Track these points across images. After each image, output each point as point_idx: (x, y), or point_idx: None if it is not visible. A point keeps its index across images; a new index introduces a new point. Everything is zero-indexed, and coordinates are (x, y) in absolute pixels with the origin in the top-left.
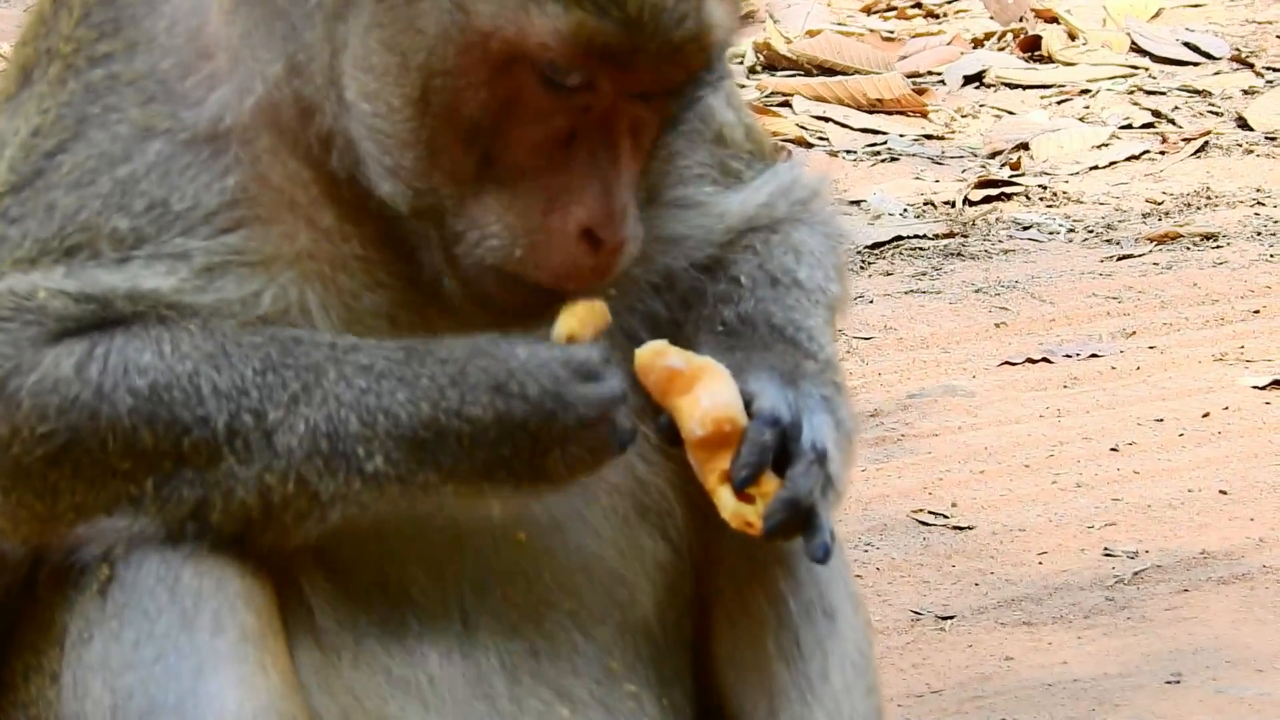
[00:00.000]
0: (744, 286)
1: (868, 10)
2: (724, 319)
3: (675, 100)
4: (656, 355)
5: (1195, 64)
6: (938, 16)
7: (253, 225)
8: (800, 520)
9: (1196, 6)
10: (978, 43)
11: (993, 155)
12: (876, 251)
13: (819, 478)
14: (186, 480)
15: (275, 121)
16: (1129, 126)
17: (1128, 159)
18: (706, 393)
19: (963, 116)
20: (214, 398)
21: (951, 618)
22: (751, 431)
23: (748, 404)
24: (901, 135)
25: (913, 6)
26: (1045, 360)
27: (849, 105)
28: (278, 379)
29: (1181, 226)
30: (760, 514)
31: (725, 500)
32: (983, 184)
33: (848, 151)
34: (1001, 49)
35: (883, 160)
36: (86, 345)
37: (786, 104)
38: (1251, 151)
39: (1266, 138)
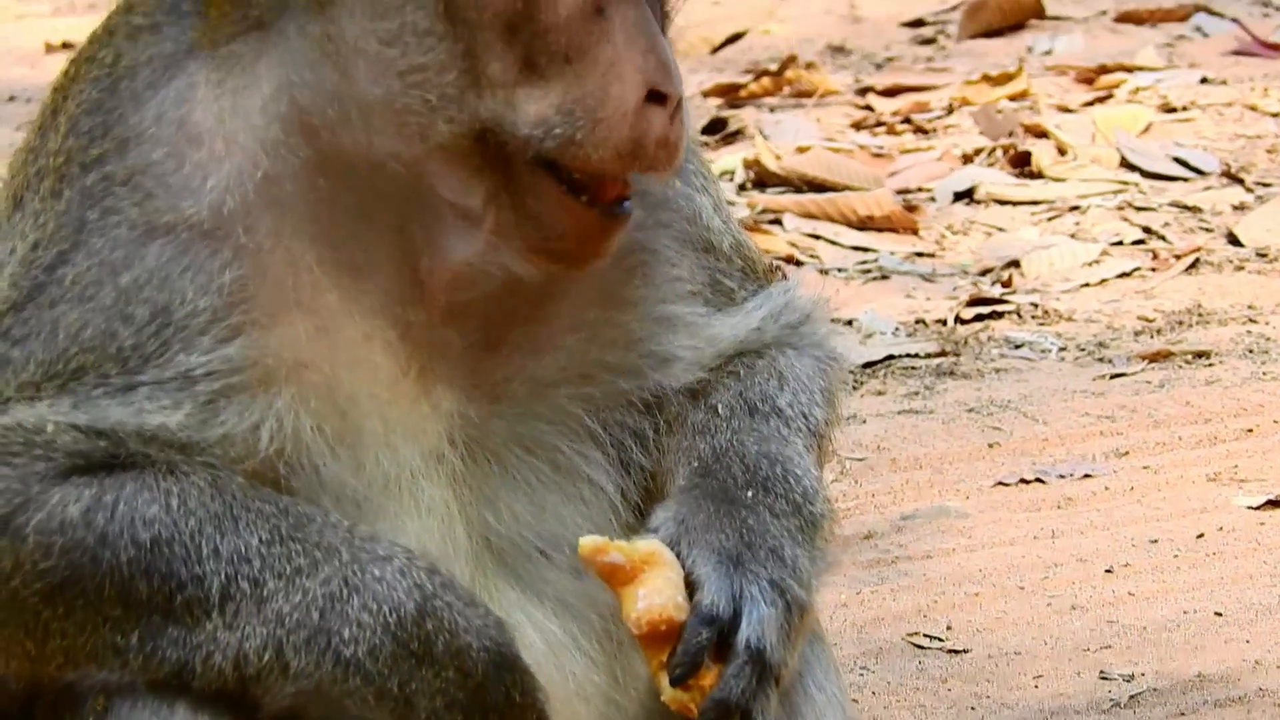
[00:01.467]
0: (721, 417)
1: (857, 126)
2: (699, 453)
3: None
4: (596, 551)
5: (1185, 179)
6: (927, 132)
7: (251, 331)
8: (732, 715)
9: (1186, 121)
10: (967, 158)
11: (984, 273)
12: (869, 371)
13: (752, 678)
14: (171, 639)
15: (277, 196)
16: (1120, 243)
17: (1119, 276)
18: (645, 590)
19: (953, 233)
20: (213, 559)
21: None
22: (688, 631)
23: (692, 589)
24: (892, 252)
25: (902, 122)
26: (1039, 481)
27: (839, 222)
28: (284, 551)
29: (1174, 345)
30: (697, 703)
31: (664, 686)
32: (974, 302)
33: (839, 269)
34: (991, 164)
35: (873, 278)
36: (95, 491)
37: (777, 221)
38: (1243, 268)
39: (1258, 254)
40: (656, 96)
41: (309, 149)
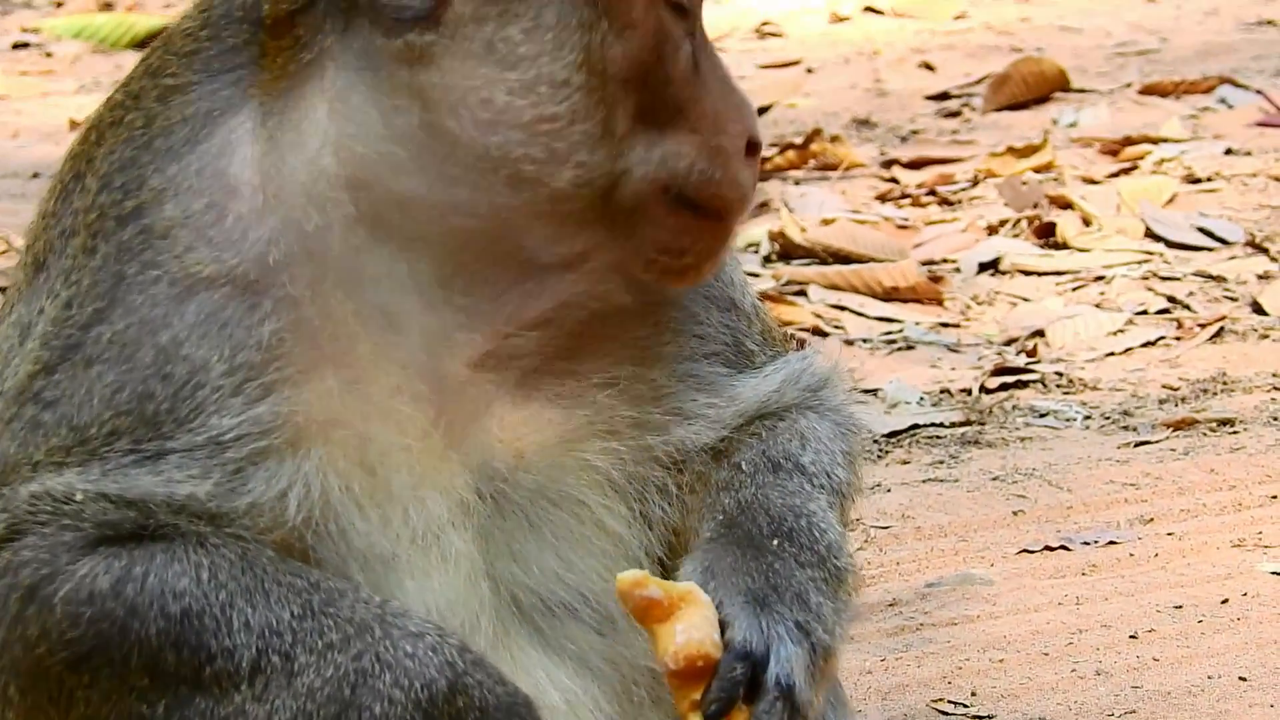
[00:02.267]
0: (745, 473)
1: (882, 198)
2: (724, 507)
3: None
4: (635, 585)
5: (1210, 249)
6: (952, 203)
7: (283, 389)
8: None
9: (1210, 192)
10: (992, 229)
11: (1009, 342)
12: (894, 440)
13: (784, 715)
14: (198, 710)
15: (318, 248)
16: (1145, 312)
17: (1144, 345)
18: (682, 626)
19: (978, 304)
20: (244, 632)
21: None
22: (722, 667)
23: (723, 628)
24: (917, 323)
25: (927, 194)
26: (1063, 548)
27: (865, 293)
28: (316, 625)
29: (1198, 412)
30: None
31: None
32: (999, 371)
33: (864, 339)
34: (1016, 235)
35: (899, 348)
36: (125, 563)
37: (802, 292)
38: (1267, 337)
39: None
40: (752, 147)
41: (355, 204)
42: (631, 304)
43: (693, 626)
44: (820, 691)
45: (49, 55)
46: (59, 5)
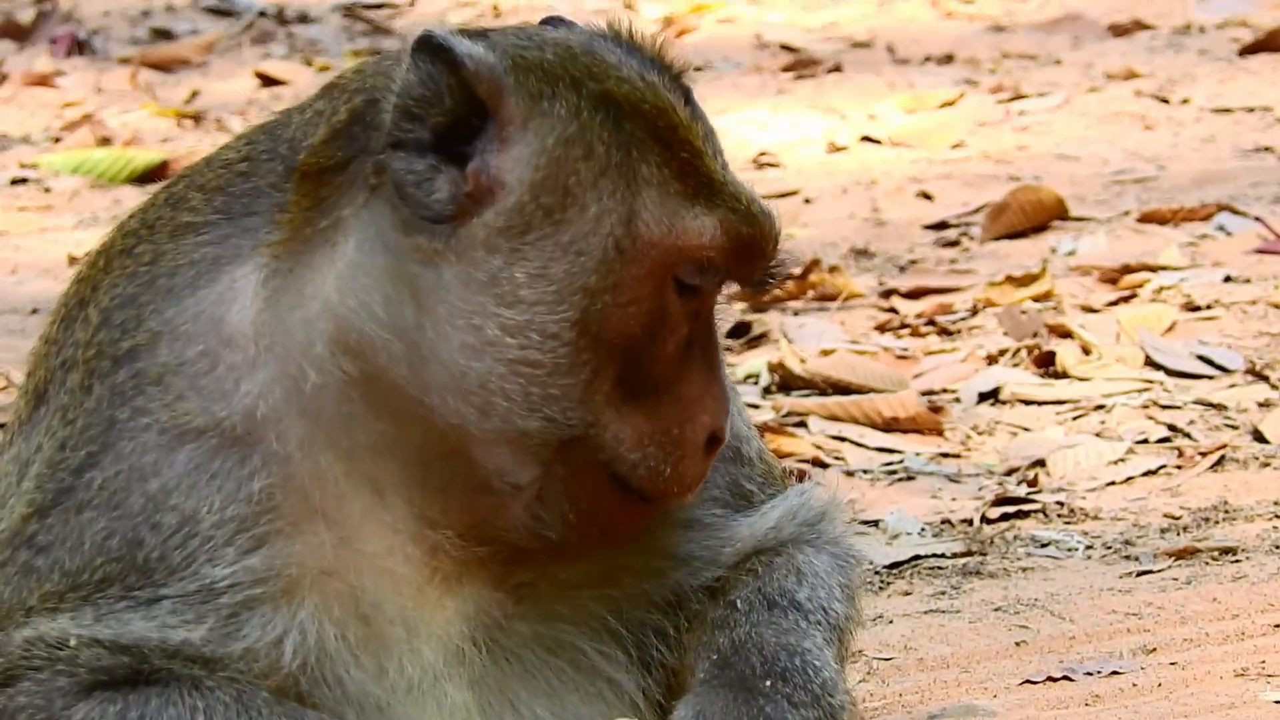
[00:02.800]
0: (740, 611)
1: (881, 328)
2: (719, 646)
3: (770, 283)
4: None
5: (1210, 377)
6: (951, 333)
7: (275, 541)
8: None
9: (1210, 319)
10: (992, 359)
11: (1009, 472)
12: (895, 571)
13: None
14: None
15: (310, 407)
16: (1145, 441)
17: (1145, 474)
18: None
19: (979, 434)
20: None
21: None
22: None
23: None
24: (918, 454)
25: (926, 324)
26: (1066, 678)
27: (864, 424)
28: None
29: (1200, 541)
30: None
31: None
32: (1000, 501)
33: (864, 470)
34: (1016, 365)
35: (899, 479)
36: (120, 708)
37: (802, 424)
38: (1268, 465)
39: None
40: (713, 441)
41: (351, 370)
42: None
43: None
44: None
45: (47, 190)
46: (57, 141)
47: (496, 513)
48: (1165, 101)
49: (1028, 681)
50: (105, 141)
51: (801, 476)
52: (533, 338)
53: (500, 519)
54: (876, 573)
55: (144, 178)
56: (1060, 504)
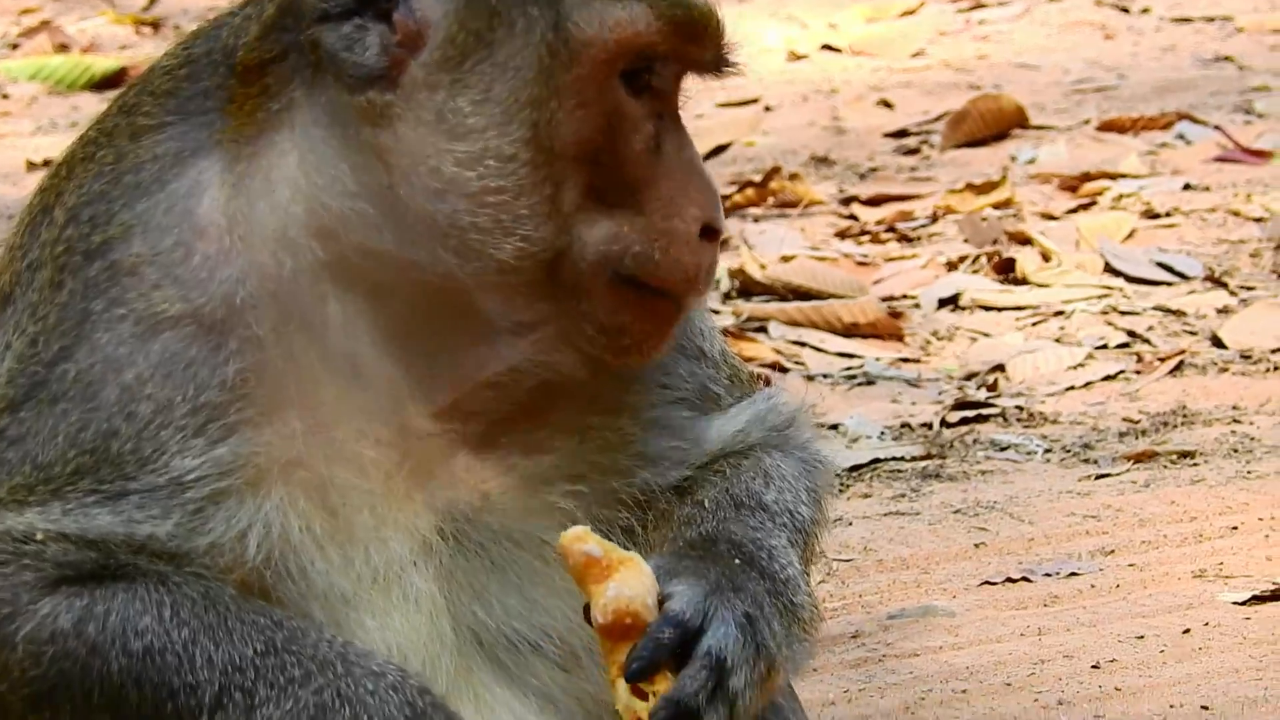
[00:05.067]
0: (707, 509)
1: (842, 235)
2: (686, 538)
3: (725, 65)
4: (576, 540)
5: (1169, 284)
6: (912, 240)
7: (245, 429)
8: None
9: (1169, 227)
10: (952, 266)
11: (969, 377)
12: (855, 474)
13: (708, 684)
14: None
15: (285, 292)
16: (1104, 347)
17: (1104, 379)
18: (616, 583)
19: (938, 339)
20: (207, 669)
21: None
22: (652, 627)
23: (664, 604)
24: (877, 359)
25: (886, 231)
26: (1025, 579)
27: (825, 329)
28: (278, 662)
29: (1159, 445)
30: (649, 711)
31: (620, 693)
32: (959, 406)
33: (824, 375)
34: (976, 271)
35: (859, 384)
36: (87, 603)
37: (763, 329)
38: (1226, 370)
39: (1242, 356)
40: (709, 232)
41: (324, 251)
42: (585, 374)
43: (626, 585)
44: (759, 700)
45: (5, 97)
46: (14, 47)
47: (509, 365)
48: (1125, 11)
49: (987, 583)
50: (63, 48)
51: (768, 383)
52: (490, 165)
53: (507, 369)
54: (837, 476)
55: (102, 84)
56: (1019, 408)
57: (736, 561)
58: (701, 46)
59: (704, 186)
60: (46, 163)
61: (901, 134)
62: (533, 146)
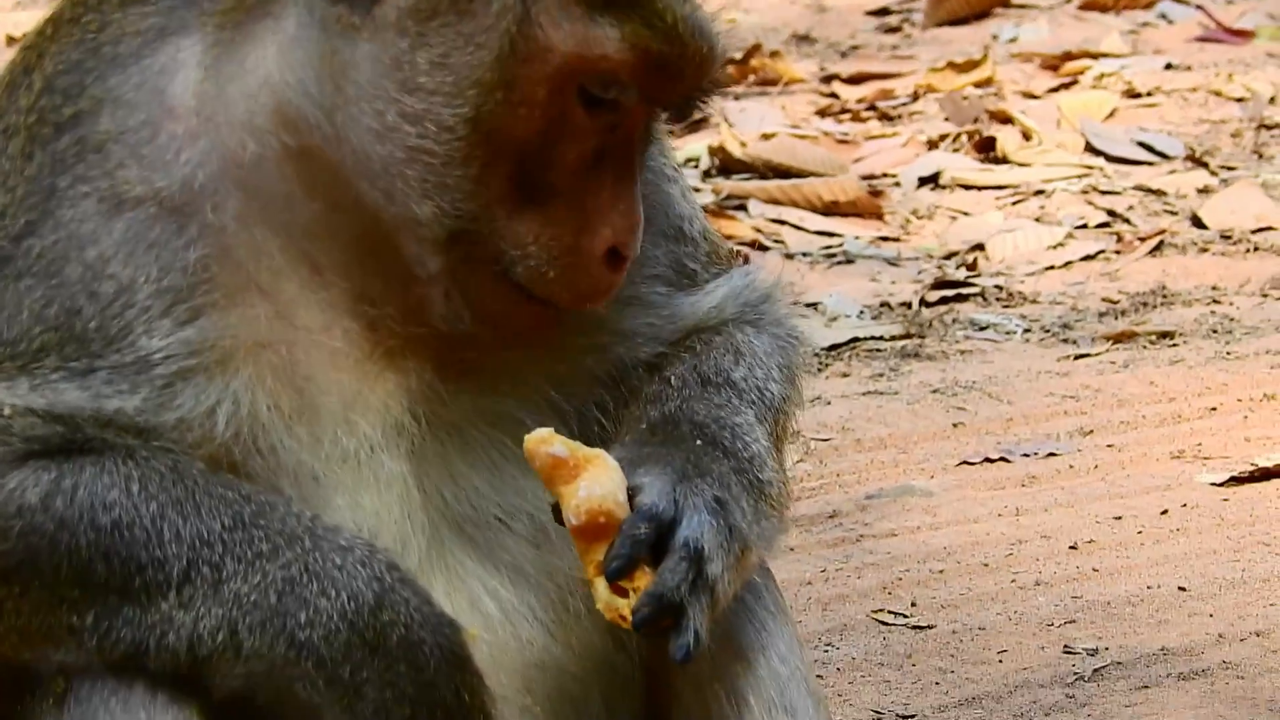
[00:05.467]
0: (673, 386)
1: (822, 113)
2: (649, 418)
3: (695, 106)
4: (541, 442)
5: (1150, 164)
6: (892, 119)
7: (211, 312)
8: (668, 615)
9: (1150, 106)
10: (933, 144)
11: (949, 256)
12: (833, 353)
13: (688, 575)
14: (126, 620)
15: (248, 181)
16: (1084, 226)
17: (1084, 259)
18: (586, 483)
19: (918, 218)
20: (175, 543)
21: (912, 717)
22: (626, 525)
23: (634, 498)
24: (857, 237)
25: (867, 109)
26: (1003, 460)
27: (804, 208)
28: (246, 536)
29: (1138, 325)
30: (632, 608)
31: (600, 591)
32: (939, 285)
33: (804, 254)
34: (956, 150)
35: (839, 262)
36: (54, 476)
37: (742, 207)
38: (1207, 250)
39: (1222, 236)
40: (616, 257)
41: (288, 141)
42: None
43: (595, 483)
44: (734, 584)
45: None
46: None
47: (421, 299)
48: None
49: (965, 462)
50: None
51: (746, 260)
52: (429, 127)
53: (425, 305)
54: (815, 354)
55: None
56: (999, 288)
57: (699, 443)
58: (671, 88)
59: (627, 212)
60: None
61: (883, 12)
62: (472, 125)
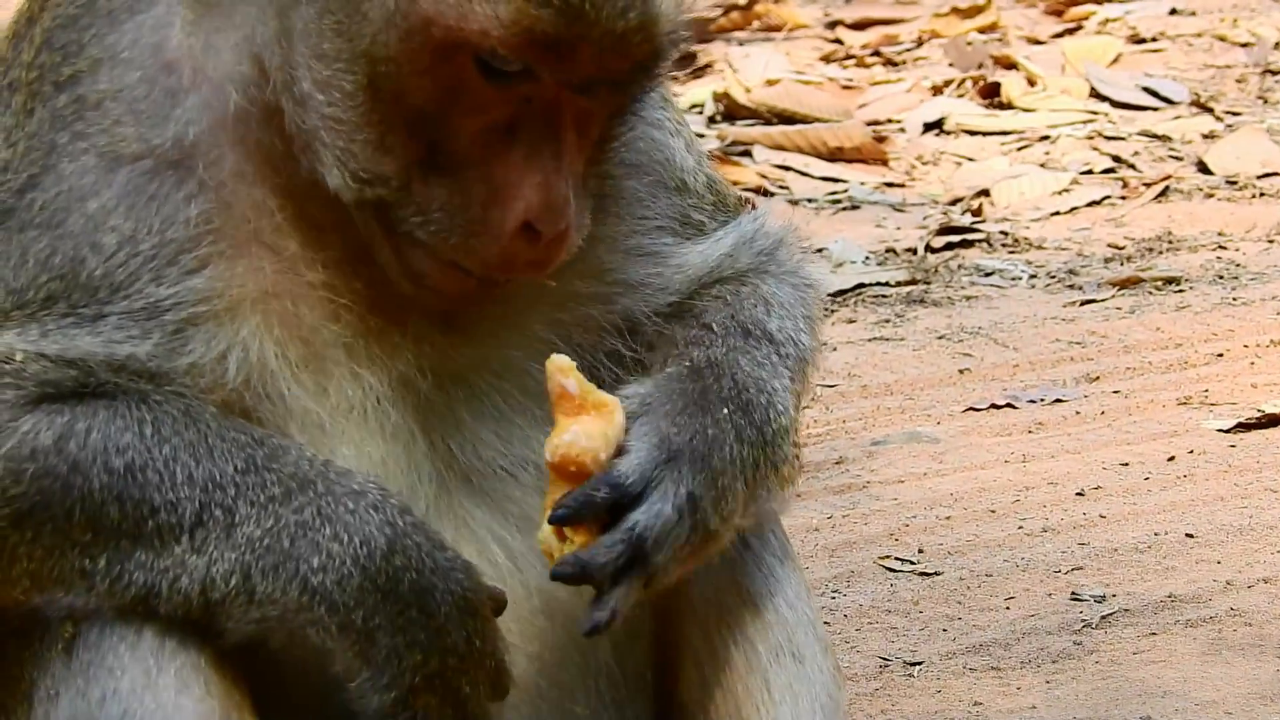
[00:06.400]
0: (716, 333)
1: (826, 59)
2: (694, 358)
3: (620, 92)
4: (559, 370)
5: (1155, 109)
6: (897, 64)
7: (217, 262)
8: (584, 580)
9: (1155, 52)
10: (937, 90)
11: (954, 202)
12: (839, 299)
13: (619, 559)
14: (139, 563)
15: (242, 137)
16: (1090, 172)
17: (1089, 204)
18: (580, 427)
19: (923, 164)
20: (187, 486)
21: (920, 664)
22: (589, 482)
23: (618, 456)
24: (862, 183)
25: (871, 55)
26: (1009, 406)
27: (809, 154)
28: (259, 479)
29: (1144, 271)
30: (556, 559)
31: (544, 528)
32: (944, 230)
33: (809, 200)
34: (961, 96)
35: (844, 208)
36: (68, 419)
37: (747, 153)
38: (1212, 195)
39: (1227, 181)
40: (531, 231)
41: (268, 98)
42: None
43: (586, 434)
44: (683, 567)
45: None
46: None
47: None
48: None
49: (971, 409)
50: None
51: (753, 206)
52: (334, 95)
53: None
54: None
55: None
56: (1004, 233)
57: (726, 411)
58: (573, 67)
59: (545, 185)
60: None
61: None
62: (369, 93)
